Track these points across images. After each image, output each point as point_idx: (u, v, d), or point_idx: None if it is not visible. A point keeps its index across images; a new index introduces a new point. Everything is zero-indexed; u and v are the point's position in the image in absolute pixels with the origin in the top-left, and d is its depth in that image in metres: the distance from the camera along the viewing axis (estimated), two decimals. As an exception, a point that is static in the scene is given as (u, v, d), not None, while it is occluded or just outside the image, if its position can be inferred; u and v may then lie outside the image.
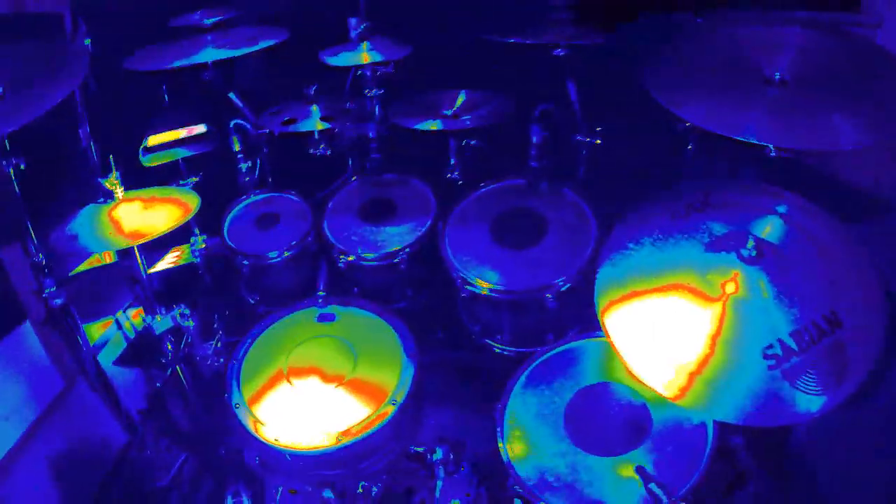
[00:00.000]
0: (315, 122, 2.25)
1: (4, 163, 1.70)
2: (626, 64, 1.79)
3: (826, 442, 1.71)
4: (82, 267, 2.39)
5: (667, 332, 1.36)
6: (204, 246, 2.32)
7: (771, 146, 1.50)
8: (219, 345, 2.06)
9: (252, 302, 2.36)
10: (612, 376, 1.60)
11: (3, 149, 1.67)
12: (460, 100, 2.33)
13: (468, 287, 1.91)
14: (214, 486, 2.12)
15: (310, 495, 1.82)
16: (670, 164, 2.03)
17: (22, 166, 1.74)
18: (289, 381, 1.76)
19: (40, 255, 1.87)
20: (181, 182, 2.32)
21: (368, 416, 1.60)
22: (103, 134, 2.15)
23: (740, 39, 1.65)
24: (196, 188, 2.32)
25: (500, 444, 1.51)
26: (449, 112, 2.28)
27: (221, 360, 2.04)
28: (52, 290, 1.90)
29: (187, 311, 1.92)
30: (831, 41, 1.59)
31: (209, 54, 2.07)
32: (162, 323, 1.90)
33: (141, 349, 2.49)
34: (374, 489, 1.79)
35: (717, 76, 1.57)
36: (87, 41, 2.05)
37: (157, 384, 2.18)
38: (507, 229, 2.05)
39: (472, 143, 2.22)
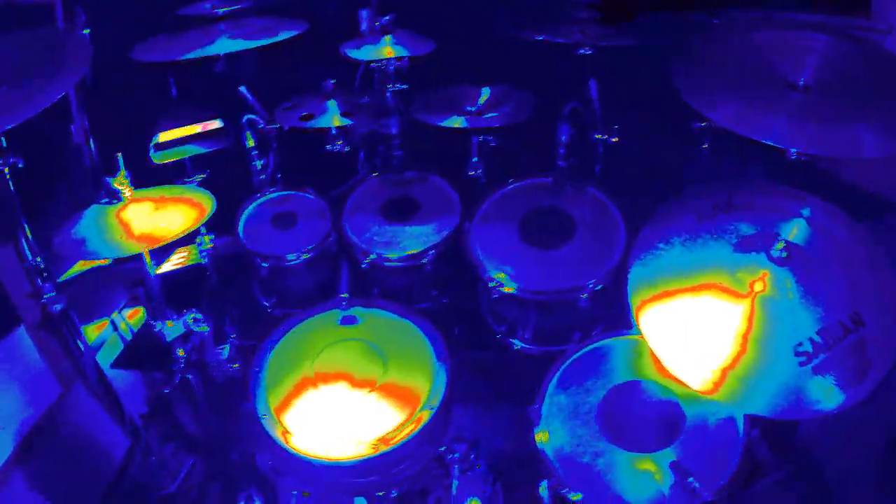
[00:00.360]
0: (333, 118, 2.18)
1: (0, 162, 1.60)
2: (649, 64, 1.80)
3: (833, 437, 1.77)
4: (76, 268, 2.28)
5: (700, 330, 1.38)
6: (211, 246, 2.22)
7: (793, 150, 1.54)
8: (230, 349, 1.99)
9: (267, 305, 2.29)
10: (642, 374, 1.62)
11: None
12: (484, 96, 2.28)
13: (501, 289, 1.88)
14: (224, 491, 2.07)
15: (322, 498, 1.79)
16: (683, 162, 2.07)
17: (20, 165, 1.65)
18: (316, 388, 1.70)
19: (38, 259, 1.78)
20: (187, 180, 2.23)
21: (405, 422, 1.57)
22: (107, 130, 2.03)
23: (764, 44, 1.68)
24: (202, 186, 2.22)
25: (539, 443, 1.52)
26: (472, 109, 2.24)
27: (236, 364, 1.97)
28: (51, 294, 1.81)
29: (200, 316, 1.85)
30: (852, 47, 1.63)
31: (223, 45, 1.97)
32: (173, 329, 1.83)
33: (139, 351, 2.40)
34: (394, 492, 1.78)
35: (744, 80, 1.60)
36: (87, 31, 1.93)
37: (165, 390, 2.10)
38: (536, 228, 2.03)
39: (490, 139, 2.18)
